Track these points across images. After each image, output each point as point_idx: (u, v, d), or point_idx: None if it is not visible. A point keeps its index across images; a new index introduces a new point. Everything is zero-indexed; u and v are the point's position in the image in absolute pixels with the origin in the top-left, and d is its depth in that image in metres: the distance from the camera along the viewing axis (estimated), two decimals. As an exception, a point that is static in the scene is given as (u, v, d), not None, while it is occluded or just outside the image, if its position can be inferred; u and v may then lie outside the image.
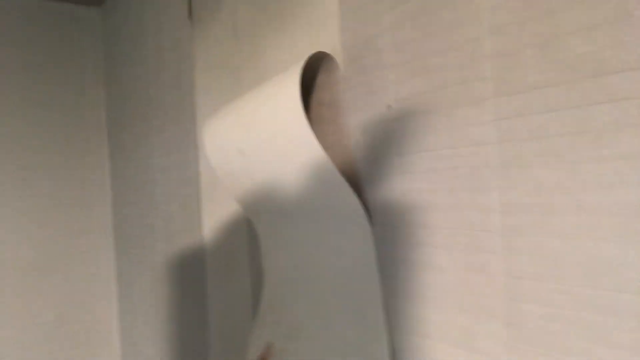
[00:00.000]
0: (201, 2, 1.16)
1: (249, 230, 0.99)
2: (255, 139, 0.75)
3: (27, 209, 1.77)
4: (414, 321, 0.63)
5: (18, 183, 1.76)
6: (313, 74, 0.77)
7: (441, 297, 0.59)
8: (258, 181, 0.79)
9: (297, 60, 0.72)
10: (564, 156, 0.46)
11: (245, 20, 1.00)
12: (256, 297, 0.96)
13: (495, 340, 0.53)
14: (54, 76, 1.83)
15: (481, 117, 0.53)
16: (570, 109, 0.45)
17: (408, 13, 0.61)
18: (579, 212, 0.45)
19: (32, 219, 1.78)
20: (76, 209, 1.88)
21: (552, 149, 0.47)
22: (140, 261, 1.67)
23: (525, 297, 0.50)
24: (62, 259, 1.83)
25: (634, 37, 0.40)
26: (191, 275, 1.27)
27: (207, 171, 1.15)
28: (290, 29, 0.85)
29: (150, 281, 1.58)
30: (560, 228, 0.46)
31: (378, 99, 0.66)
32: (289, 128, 0.67)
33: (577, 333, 0.46)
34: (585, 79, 0.44)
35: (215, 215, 1.13)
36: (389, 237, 0.65)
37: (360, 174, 0.69)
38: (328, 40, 0.74)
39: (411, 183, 0.61)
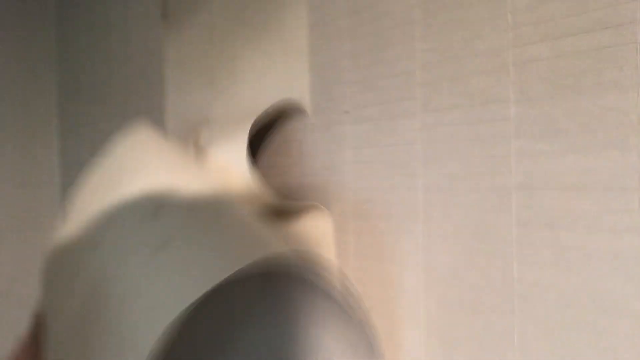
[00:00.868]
0: (176, 4, 1.31)
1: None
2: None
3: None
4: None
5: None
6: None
7: (379, 252, 0.82)
8: None
9: (271, 67, 0.92)
10: (464, 153, 0.70)
11: (220, 25, 1.17)
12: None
13: (416, 324, 0.77)
14: (1, 59, 1.86)
15: (412, 126, 0.76)
16: (468, 124, 0.70)
17: (364, 46, 0.83)
18: (479, 192, 0.70)
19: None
20: (24, 190, 1.93)
21: (457, 149, 0.71)
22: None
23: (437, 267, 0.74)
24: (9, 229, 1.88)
25: (511, 80, 0.66)
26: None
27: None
28: (264, 40, 1.05)
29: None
30: (463, 205, 0.71)
31: (338, 106, 0.88)
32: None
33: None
34: (478, 104, 0.69)
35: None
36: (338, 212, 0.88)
37: (311, 172, 0.91)
38: (299, 58, 0.95)
39: (360, 169, 0.84)
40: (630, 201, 0.56)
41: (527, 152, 0.65)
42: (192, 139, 1.09)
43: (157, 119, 1.37)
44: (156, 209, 0.64)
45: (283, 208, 0.86)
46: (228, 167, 0.90)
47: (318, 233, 0.83)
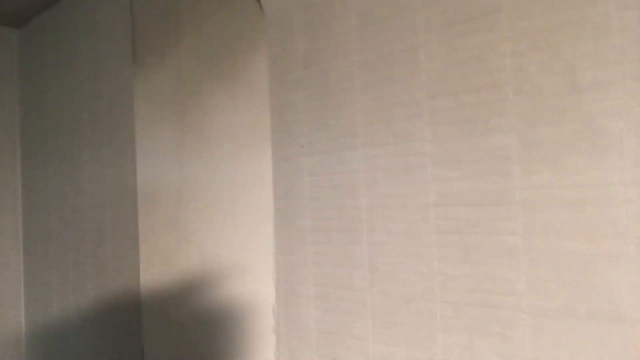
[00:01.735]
0: (146, 48, 1.46)
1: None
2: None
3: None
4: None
5: None
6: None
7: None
8: None
9: (236, 107, 1.10)
10: (395, 178, 0.92)
11: (189, 68, 1.34)
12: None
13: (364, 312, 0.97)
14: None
15: (355, 158, 0.97)
16: (397, 156, 0.91)
17: (316, 93, 1.03)
18: (406, 208, 0.91)
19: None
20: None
21: (390, 176, 0.92)
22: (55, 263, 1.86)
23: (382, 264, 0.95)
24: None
25: (427, 123, 0.87)
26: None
27: (145, 185, 1.45)
28: (230, 84, 1.23)
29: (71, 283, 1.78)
30: (395, 218, 0.92)
31: (295, 140, 1.07)
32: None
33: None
34: (402, 142, 0.90)
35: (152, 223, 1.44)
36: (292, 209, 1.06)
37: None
38: (261, 100, 1.14)
39: (316, 192, 1.04)
40: (512, 212, 0.79)
41: (440, 177, 0.87)
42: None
43: (127, 149, 1.51)
44: None
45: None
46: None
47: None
